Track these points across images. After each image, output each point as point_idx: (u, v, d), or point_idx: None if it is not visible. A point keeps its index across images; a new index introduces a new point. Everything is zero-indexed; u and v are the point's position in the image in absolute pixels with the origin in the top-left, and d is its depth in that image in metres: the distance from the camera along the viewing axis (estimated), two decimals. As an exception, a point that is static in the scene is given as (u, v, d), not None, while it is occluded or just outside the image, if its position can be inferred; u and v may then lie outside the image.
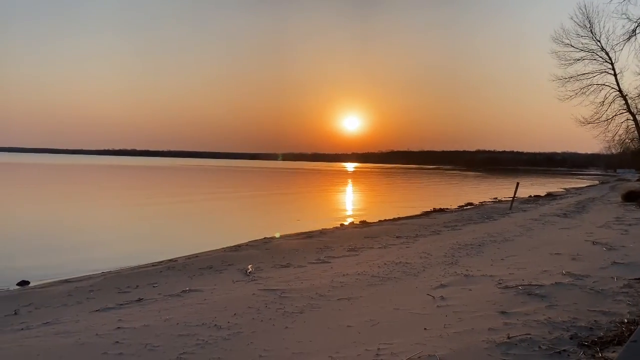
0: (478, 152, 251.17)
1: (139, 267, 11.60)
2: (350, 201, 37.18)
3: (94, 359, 5.00)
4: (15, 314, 7.50)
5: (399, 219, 21.88)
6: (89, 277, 10.46)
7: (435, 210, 25.98)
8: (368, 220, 21.02)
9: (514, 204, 25.54)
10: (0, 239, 15.96)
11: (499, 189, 48.52)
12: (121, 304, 7.52)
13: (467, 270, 8.91)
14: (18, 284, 10.25)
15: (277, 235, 15.94)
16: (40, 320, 6.79)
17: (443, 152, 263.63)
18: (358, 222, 20.75)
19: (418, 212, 24.85)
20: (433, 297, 7.03)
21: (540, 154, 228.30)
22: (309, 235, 16.15)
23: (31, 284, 10.26)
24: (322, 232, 16.89)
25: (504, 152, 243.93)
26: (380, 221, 20.88)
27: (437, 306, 6.55)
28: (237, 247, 14.02)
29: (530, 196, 36.02)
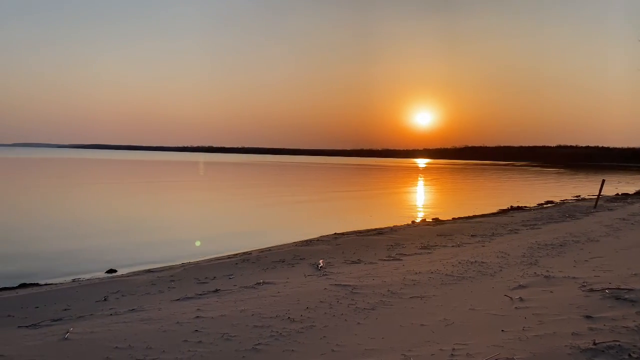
0: (559, 147, 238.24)
1: (216, 258, 12.07)
2: (421, 198, 36.54)
3: (175, 345, 5.26)
4: (105, 300, 8.03)
5: (474, 216, 21.25)
6: (170, 268, 11.01)
7: (512, 208, 25.01)
8: (441, 218, 20.57)
9: (599, 202, 24.00)
10: (94, 230, 17.15)
11: (582, 186, 45.79)
12: (200, 294, 7.84)
13: (547, 271, 8.50)
14: (107, 272, 10.99)
15: (198, 244, 15.04)
16: (126, 307, 7.23)
17: (521, 147, 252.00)
18: (430, 220, 20.36)
19: (494, 210, 24.02)
20: (511, 298, 6.77)
21: (628, 149, 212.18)
22: (379, 231, 16.06)
23: (118, 272, 10.97)
24: (393, 229, 16.74)
25: (587, 147, 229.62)
26: (453, 219, 20.37)
27: (515, 308, 6.29)
28: (308, 242, 14.22)
29: (618, 194, 33.67)
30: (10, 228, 17.08)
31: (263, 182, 48.53)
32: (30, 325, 6.33)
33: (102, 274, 10.84)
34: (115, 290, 8.74)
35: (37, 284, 9.84)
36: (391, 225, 17.99)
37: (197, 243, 15.06)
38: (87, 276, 10.61)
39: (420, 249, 12.17)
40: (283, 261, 11.02)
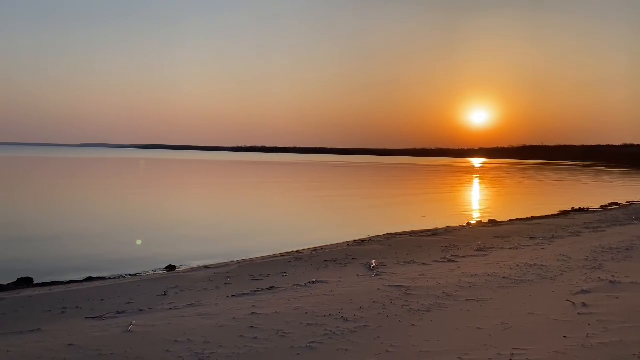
0: (624, 146, 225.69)
1: (270, 256, 12.26)
2: (476, 198, 35.64)
3: (232, 341, 5.39)
4: (165, 295, 8.33)
5: (533, 218, 20.56)
6: (226, 265, 11.28)
7: (574, 210, 24.04)
8: (497, 219, 20.00)
9: (670, 205, 22.61)
10: (155, 228, 17.84)
11: (651, 188, 43.25)
12: (255, 291, 7.99)
13: (613, 276, 8.10)
14: (166, 268, 11.40)
15: (139, 242, 14.84)
16: (185, 302, 7.47)
17: (583, 146, 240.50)
18: (486, 221, 19.83)
19: (554, 212, 23.15)
20: (573, 303, 6.51)
21: None
22: (433, 232, 15.81)
23: (177, 269, 11.35)
24: (448, 230, 16.43)
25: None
26: (511, 220, 19.78)
27: (578, 313, 6.05)
28: (360, 242, 14.18)
29: (692, 196, 31.62)
30: (78, 225, 18.04)
31: (316, 183, 48.82)
32: (96, 317, 6.67)
33: (162, 270, 11.25)
34: (175, 285, 9.04)
35: (102, 278, 10.35)
36: (445, 226, 17.66)
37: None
38: (148, 271, 11.06)
39: (476, 250, 11.89)
40: (335, 260, 11.05)
